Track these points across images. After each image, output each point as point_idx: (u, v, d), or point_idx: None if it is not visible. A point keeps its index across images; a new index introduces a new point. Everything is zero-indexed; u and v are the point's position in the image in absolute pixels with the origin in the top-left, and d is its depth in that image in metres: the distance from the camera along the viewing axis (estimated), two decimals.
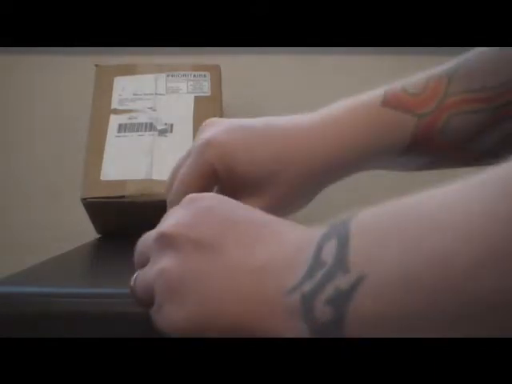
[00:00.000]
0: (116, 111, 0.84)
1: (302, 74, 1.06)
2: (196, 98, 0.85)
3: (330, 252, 0.26)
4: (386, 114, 0.44)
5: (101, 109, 0.84)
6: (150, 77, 0.88)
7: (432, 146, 0.45)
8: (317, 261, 0.27)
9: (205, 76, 0.88)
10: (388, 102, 0.45)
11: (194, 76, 0.88)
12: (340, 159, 0.43)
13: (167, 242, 0.31)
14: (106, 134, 0.81)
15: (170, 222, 0.32)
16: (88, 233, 0.82)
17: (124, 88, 0.86)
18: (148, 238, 0.35)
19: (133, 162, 0.78)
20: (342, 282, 0.25)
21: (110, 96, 0.85)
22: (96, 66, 0.89)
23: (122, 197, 0.75)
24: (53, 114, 1.06)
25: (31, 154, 1.06)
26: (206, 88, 0.87)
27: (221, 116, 0.86)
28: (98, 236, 0.83)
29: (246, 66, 1.05)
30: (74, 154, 1.03)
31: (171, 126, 0.82)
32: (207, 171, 0.42)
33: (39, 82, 1.06)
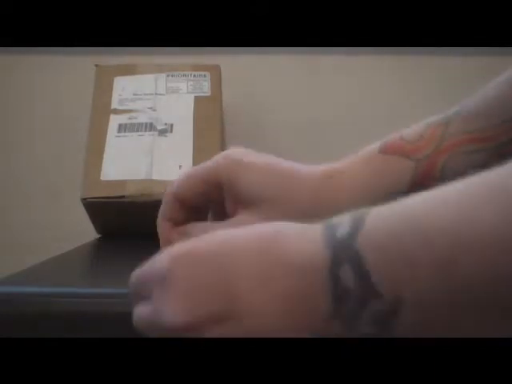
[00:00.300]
0: (116, 111, 0.84)
1: (302, 73, 1.06)
2: (196, 98, 0.85)
3: (349, 278, 0.26)
4: (385, 160, 0.45)
5: (101, 109, 0.84)
6: (150, 77, 0.88)
7: (433, 187, 0.45)
8: (338, 289, 0.26)
9: (205, 76, 0.88)
10: (386, 150, 0.46)
11: (194, 76, 0.88)
12: (339, 204, 0.44)
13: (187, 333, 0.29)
14: (106, 134, 0.81)
15: (169, 312, 0.29)
16: (88, 233, 0.82)
17: (124, 88, 0.86)
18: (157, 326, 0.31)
19: (133, 162, 0.78)
20: (379, 307, 0.25)
21: (110, 96, 0.85)
22: (96, 65, 0.89)
23: (122, 197, 0.75)
24: (53, 113, 1.06)
25: (31, 154, 1.06)
26: (206, 88, 0.87)
27: (221, 116, 0.86)
28: (98, 236, 0.83)
29: (246, 66, 1.05)
30: (74, 153, 1.03)
31: (171, 126, 0.82)
32: (212, 175, 0.43)
33: (39, 81, 1.06)
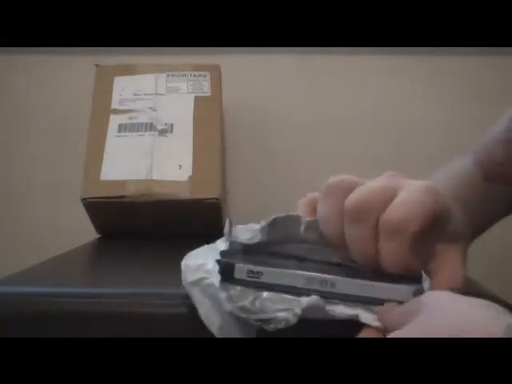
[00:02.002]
0: (116, 111, 0.84)
1: (302, 73, 1.06)
2: (196, 98, 0.85)
3: None
4: (490, 188, 0.47)
5: (101, 109, 0.84)
6: (150, 77, 0.88)
7: None
8: None
9: (205, 76, 0.88)
10: (489, 177, 0.47)
11: (194, 76, 0.88)
12: None
13: None
14: (106, 134, 0.81)
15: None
16: (88, 233, 0.82)
17: (124, 88, 0.86)
18: None
19: (133, 162, 0.78)
20: None
21: (110, 96, 0.85)
22: (96, 65, 0.89)
23: (122, 197, 0.75)
24: (53, 113, 1.06)
25: (31, 154, 1.06)
26: (206, 88, 0.87)
27: (221, 116, 0.86)
28: (98, 236, 0.83)
29: (246, 66, 1.05)
30: (74, 154, 1.03)
31: (171, 125, 0.82)
32: (434, 210, 0.36)
33: (39, 81, 1.06)
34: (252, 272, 0.37)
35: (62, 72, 1.06)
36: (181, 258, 0.40)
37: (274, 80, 1.06)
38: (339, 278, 0.36)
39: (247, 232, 0.40)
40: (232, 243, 0.39)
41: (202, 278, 0.37)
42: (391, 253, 0.35)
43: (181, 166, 0.78)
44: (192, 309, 0.37)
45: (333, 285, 0.36)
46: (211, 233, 0.43)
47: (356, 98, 1.05)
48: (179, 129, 0.82)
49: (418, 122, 1.04)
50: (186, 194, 0.75)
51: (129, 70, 0.88)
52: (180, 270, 0.39)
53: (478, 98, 1.02)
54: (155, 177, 0.77)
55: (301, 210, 0.41)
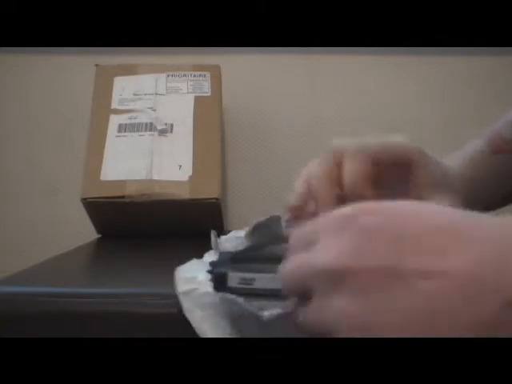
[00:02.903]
0: (116, 111, 0.84)
1: (302, 73, 1.06)
2: (196, 98, 0.85)
3: None
4: (500, 161, 0.50)
5: (101, 109, 0.84)
6: (150, 77, 0.88)
7: None
8: None
9: (205, 76, 0.88)
10: (496, 149, 0.50)
11: (194, 76, 0.88)
12: None
13: (337, 280, 0.27)
14: (106, 134, 0.81)
15: (332, 252, 0.27)
16: (88, 233, 0.82)
17: (124, 88, 0.86)
18: (308, 267, 0.28)
19: (133, 162, 0.78)
20: None
21: (110, 96, 0.85)
22: (96, 65, 0.89)
23: (122, 197, 0.75)
24: (53, 113, 1.06)
25: (31, 154, 1.06)
26: (206, 88, 0.87)
27: (221, 116, 0.86)
28: (98, 236, 0.83)
29: (246, 66, 1.05)
30: (74, 154, 1.03)
31: (171, 125, 0.82)
32: (403, 152, 0.42)
33: (39, 81, 1.06)
34: (244, 279, 0.37)
35: (62, 72, 1.06)
36: (181, 258, 0.40)
37: (274, 80, 1.06)
38: None
39: (233, 240, 0.41)
40: (221, 254, 0.40)
41: (194, 289, 0.37)
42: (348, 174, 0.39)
43: (181, 166, 0.78)
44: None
45: None
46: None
47: (356, 97, 1.05)
48: (179, 129, 0.82)
49: (417, 122, 1.04)
50: (185, 194, 0.75)
51: (129, 70, 0.88)
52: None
53: (478, 97, 1.02)
54: (155, 177, 0.77)
55: (298, 188, 0.42)
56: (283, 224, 0.40)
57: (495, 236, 0.25)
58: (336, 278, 0.27)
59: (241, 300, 0.35)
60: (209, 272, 0.38)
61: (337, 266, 0.26)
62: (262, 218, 0.40)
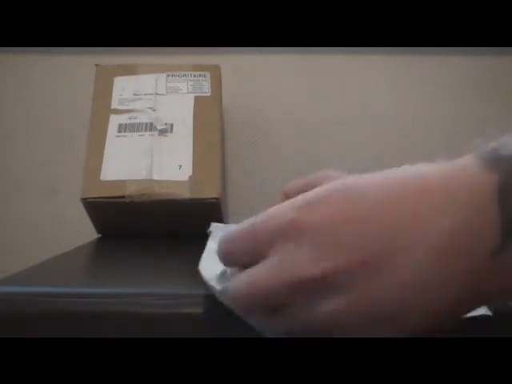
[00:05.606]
0: (116, 111, 0.84)
1: (302, 73, 1.06)
2: (196, 98, 0.85)
3: None
4: None
5: (101, 109, 0.84)
6: (150, 77, 0.88)
7: None
8: (509, 218, 0.24)
9: (205, 76, 0.88)
10: None
11: (194, 76, 0.88)
12: None
13: (319, 287, 0.26)
14: (106, 134, 0.81)
15: (300, 262, 0.26)
16: (88, 233, 0.82)
17: (124, 88, 0.86)
18: (277, 281, 0.27)
19: (133, 162, 0.78)
20: None
21: (110, 96, 0.85)
22: (96, 65, 0.89)
23: (122, 197, 0.75)
24: (52, 113, 1.06)
25: (30, 153, 1.06)
26: (206, 88, 0.87)
27: (221, 116, 0.86)
28: (98, 236, 0.83)
29: (246, 66, 1.05)
30: (74, 154, 1.03)
31: (171, 125, 0.82)
32: (312, 179, 0.49)
33: (39, 81, 1.06)
34: None
35: (62, 72, 1.06)
36: (180, 258, 0.40)
37: (273, 80, 1.06)
38: None
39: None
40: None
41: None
42: None
43: (181, 166, 0.78)
44: (192, 309, 0.37)
45: None
46: None
47: (356, 97, 1.05)
48: (179, 129, 0.82)
49: (418, 122, 1.04)
50: (186, 194, 0.75)
51: (129, 70, 0.88)
52: (179, 270, 0.39)
53: (478, 97, 1.02)
54: (155, 177, 0.77)
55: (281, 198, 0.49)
56: None
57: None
58: (318, 285, 0.26)
59: None
60: None
61: (315, 273, 0.26)
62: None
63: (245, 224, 0.30)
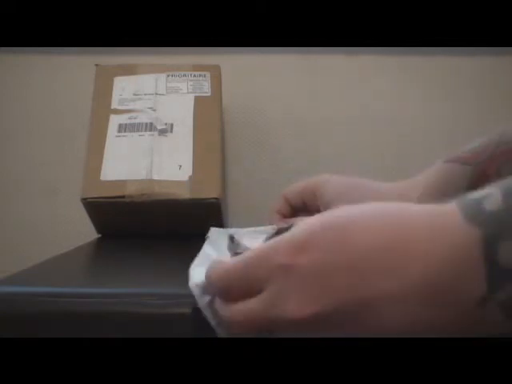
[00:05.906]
0: (116, 111, 0.84)
1: (302, 73, 1.06)
2: (196, 98, 0.85)
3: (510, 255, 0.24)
4: (448, 167, 0.54)
5: (101, 109, 0.84)
6: (150, 77, 0.88)
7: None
8: (495, 269, 0.25)
9: (205, 76, 0.88)
10: (449, 159, 0.54)
11: (194, 76, 0.88)
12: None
13: (319, 326, 0.27)
14: (106, 134, 0.81)
15: (296, 304, 0.27)
16: (88, 233, 0.82)
17: (124, 88, 0.86)
18: (276, 319, 0.28)
19: (133, 162, 0.78)
20: None
21: (110, 96, 0.85)
22: (96, 65, 0.89)
23: (122, 197, 0.75)
24: (52, 113, 1.06)
25: (30, 153, 1.06)
26: (206, 88, 0.87)
27: (221, 116, 0.86)
28: (98, 236, 0.83)
29: (246, 66, 1.05)
30: (74, 154, 1.03)
31: (171, 125, 0.82)
32: (310, 184, 0.58)
33: (39, 81, 1.06)
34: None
35: (62, 72, 1.06)
36: (180, 258, 0.40)
37: (273, 80, 1.06)
38: None
39: (252, 238, 0.41)
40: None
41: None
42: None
43: (181, 166, 0.78)
44: (192, 309, 0.37)
45: None
46: None
47: (356, 97, 1.05)
48: (179, 129, 0.82)
49: (418, 122, 1.04)
50: (186, 194, 0.75)
51: (129, 70, 0.88)
52: (179, 270, 0.39)
53: (478, 97, 1.02)
54: (155, 177, 0.77)
55: (272, 215, 0.60)
56: None
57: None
58: (303, 326, 0.27)
59: None
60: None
61: (301, 315, 0.27)
62: (284, 224, 0.42)
63: (237, 263, 0.31)
